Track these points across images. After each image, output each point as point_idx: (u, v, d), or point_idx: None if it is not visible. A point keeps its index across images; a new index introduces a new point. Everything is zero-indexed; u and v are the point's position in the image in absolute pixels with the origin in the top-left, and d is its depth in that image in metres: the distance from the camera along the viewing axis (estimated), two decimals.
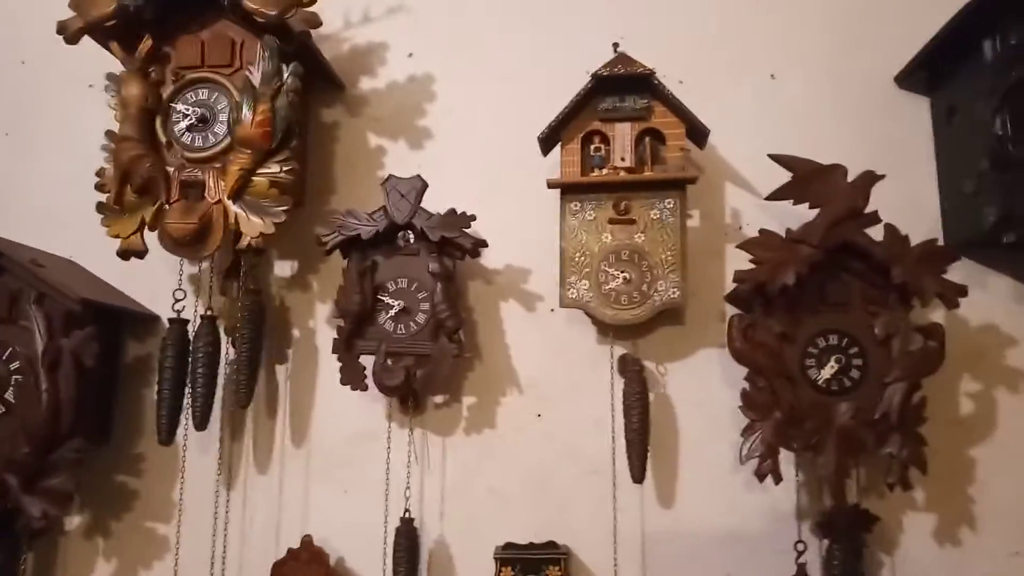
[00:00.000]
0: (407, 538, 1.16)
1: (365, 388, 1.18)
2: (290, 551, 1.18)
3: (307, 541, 1.18)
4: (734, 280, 1.06)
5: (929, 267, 1.02)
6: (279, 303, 1.32)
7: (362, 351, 1.18)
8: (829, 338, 1.06)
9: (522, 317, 1.27)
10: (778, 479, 1.05)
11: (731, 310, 1.21)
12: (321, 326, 1.30)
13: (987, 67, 1.07)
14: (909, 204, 1.20)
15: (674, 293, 1.14)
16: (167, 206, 1.19)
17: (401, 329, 1.18)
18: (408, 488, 1.20)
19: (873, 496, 1.14)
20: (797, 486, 1.15)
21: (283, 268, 1.34)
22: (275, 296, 1.32)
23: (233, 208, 1.17)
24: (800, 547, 1.10)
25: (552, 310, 1.26)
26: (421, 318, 1.18)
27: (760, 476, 1.05)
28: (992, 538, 1.14)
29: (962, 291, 1.03)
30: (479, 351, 1.27)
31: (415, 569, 1.16)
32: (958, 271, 1.13)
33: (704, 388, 1.21)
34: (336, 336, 1.19)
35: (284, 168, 1.18)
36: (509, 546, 1.15)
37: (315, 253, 1.28)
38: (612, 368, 1.19)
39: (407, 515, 1.18)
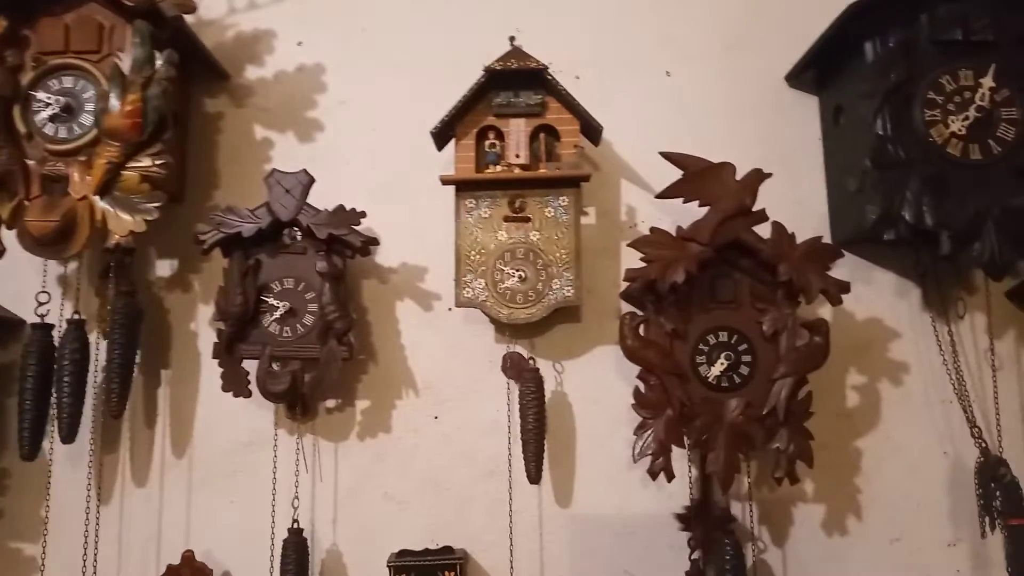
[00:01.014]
0: (296, 549, 1.11)
1: (248, 395, 1.12)
2: (170, 567, 1.12)
3: (188, 556, 1.12)
4: (625, 279, 1.05)
5: (814, 264, 1.04)
6: (158, 305, 1.24)
7: (245, 355, 1.12)
8: (719, 335, 1.07)
9: (418, 317, 1.23)
10: (670, 476, 1.05)
11: (627, 308, 1.20)
12: (203, 329, 1.23)
13: (868, 69, 1.09)
14: (798, 201, 1.23)
15: (568, 291, 1.13)
16: (27, 202, 1.10)
17: (287, 332, 1.13)
18: (296, 497, 1.15)
19: (764, 489, 1.16)
20: (690, 482, 1.16)
21: (163, 267, 1.26)
22: (154, 297, 1.24)
23: (100, 204, 1.09)
24: (693, 543, 1.10)
25: (449, 309, 1.22)
26: (309, 320, 1.13)
27: (653, 474, 1.05)
28: (875, 526, 1.18)
29: (845, 288, 1.05)
30: (373, 352, 1.22)
31: None
32: (844, 267, 1.16)
33: (600, 385, 1.21)
34: (217, 340, 1.12)
35: (156, 162, 1.10)
36: (404, 553, 1.12)
37: (196, 252, 1.20)
38: (515, 365, 1.17)
39: (295, 525, 1.13)
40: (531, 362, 1.16)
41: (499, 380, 1.19)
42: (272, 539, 1.13)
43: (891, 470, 1.19)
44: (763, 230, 1.07)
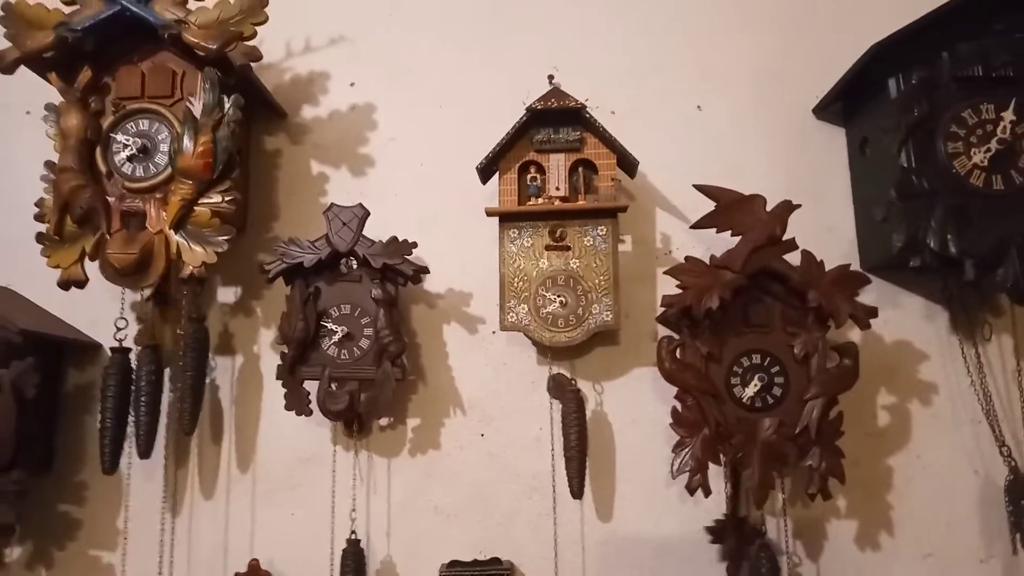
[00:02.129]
0: (354, 559, 1.19)
1: (309, 413, 1.20)
2: (237, 575, 1.20)
3: (254, 565, 1.20)
4: (662, 304, 1.12)
5: (842, 290, 1.09)
6: (223, 329, 1.33)
7: (306, 377, 1.21)
8: (752, 358, 1.13)
9: (464, 339, 1.31)
10: (707, 492, 1.10)
11: (663, 331, 1.27)
12: (265, 351, 1.32)
13: (892, 104, 1.15)
14: (828, 228, 1.28)
15: (607, 316, 1.19)
16: (108, 236, 1.20)
17: (345, 354, 1.21)
18: (354, 510, 1.22)
19: (799, 505, 1.21)
20: (727, 498, 1.22)
21: (226, 295, 1.35)
22: (219, 322, 1.33)
23: (175, 238, 1.18)
24: (726, 555, 1.16)
25: (493, 332, 1.30)
26: (364, 343, 1.21)
27: (690, 490, 1.10)
28: (908, 542, 1.22)
29: (872, 313, 1.10)
30: (423, 373, 1.30)
31: None
32: (873, 291, 1.21)
33: (638, 406, 1.27)
34: (280, 362, 1.21)
35: (226, 198, 1.19)
36: (454, 563, 1.19)
37: (258, 279, 1.30)
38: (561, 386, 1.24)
39: (353, 536, 1.20)
40: (573, 383, 1.23)
41: (542, 400, 1.26)
42: (331, 548, 1.21)
43: (922, 488, 1.23)
44: (793, 258, 1.13)
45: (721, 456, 1.11)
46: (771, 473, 1.10)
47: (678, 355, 1.12)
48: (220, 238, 1.19)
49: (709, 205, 1.15)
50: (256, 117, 1.38)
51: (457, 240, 1.32)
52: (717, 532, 1.18)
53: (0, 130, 1.44)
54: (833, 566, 1.22)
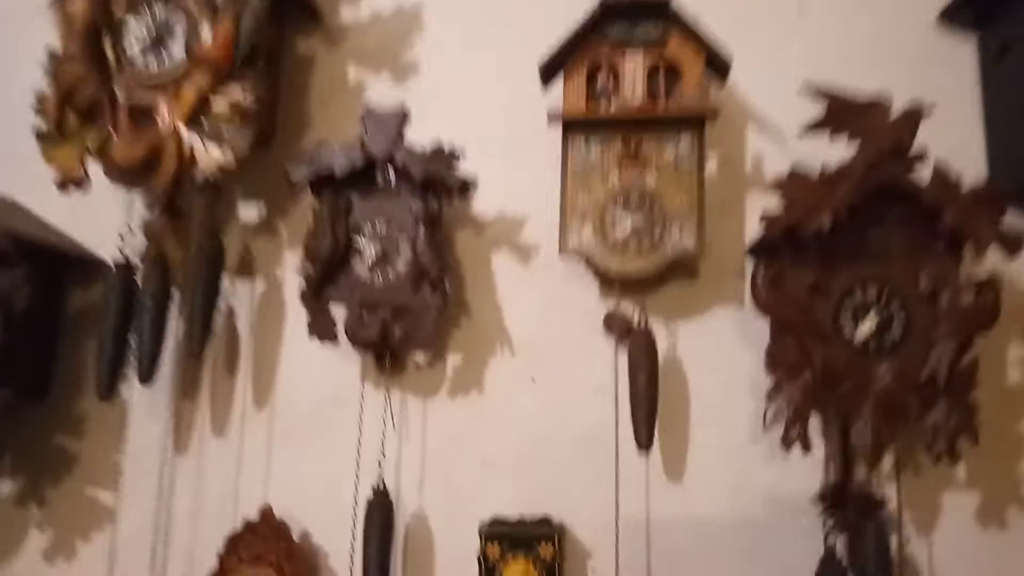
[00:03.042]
0: (381, 511, 1.02)
1: (336, 340, 1.04)
2: (248, 524, 1.04)
3: (267, 513, 1.04)
4: (761, 222, 0.92)
5: (985, 210, 0.89)
6: (243, 250, 1.18)
7: (333, 300, 1.04)
8: (868, 291, 0.94)
9: (515, 270, 1.13)
10: (807, 447, 0.92)
11: (752, 266, 1.08)
12: (289, 276, 1.16)
13: None
14: (950, 150, 1.07)
15: (688, 242, 1.01)
16: (113, 133, 1.05)
17: (378, 277, 1.05)
18: (383, 456, 1.06)
19: (908, 471, 1.02)
20: (828, 460, 1.03)
21: (248, 212, 1.19)
22: (239, 242, 1.18)
23: (188, 135, 1.03)
24: (830, 527, 0.97)
25: (549, 263, 1.12)
26: (401, 265, 1.04)
27: (787, 443, 0.92)
28: None
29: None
30: (467, 307, 1.13)
31: (389, 545, 1.02)
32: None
33: (719, 352, 1.08)
34: (304, 284, 1.04)
35: (247, 93, 1.04)
36: (497, 521, 1.02)
37: (284, 196, 1.15)
38: (621, 323, 1.06)
39: (381, 486, 1.04)
40: (640, 321, 1.05)
41: (604, 341, 1.08)
42: (355, 499, 1.04)
43: None
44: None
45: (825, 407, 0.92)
46: (887, 429, 0.91)
47: (777, 284, 0.93)
48: (240, 139, 1.03)
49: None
50: (289, 18, 1.21)
51: (511, 157, 1.14)
52: (832, 498, 0.97)
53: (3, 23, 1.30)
54: (947, 545, 1.01)
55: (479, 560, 1.00)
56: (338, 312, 1.05)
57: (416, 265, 1.03)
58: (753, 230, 1.08)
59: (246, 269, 1.17)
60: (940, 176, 0.91)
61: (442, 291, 1.03)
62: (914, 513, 1.01)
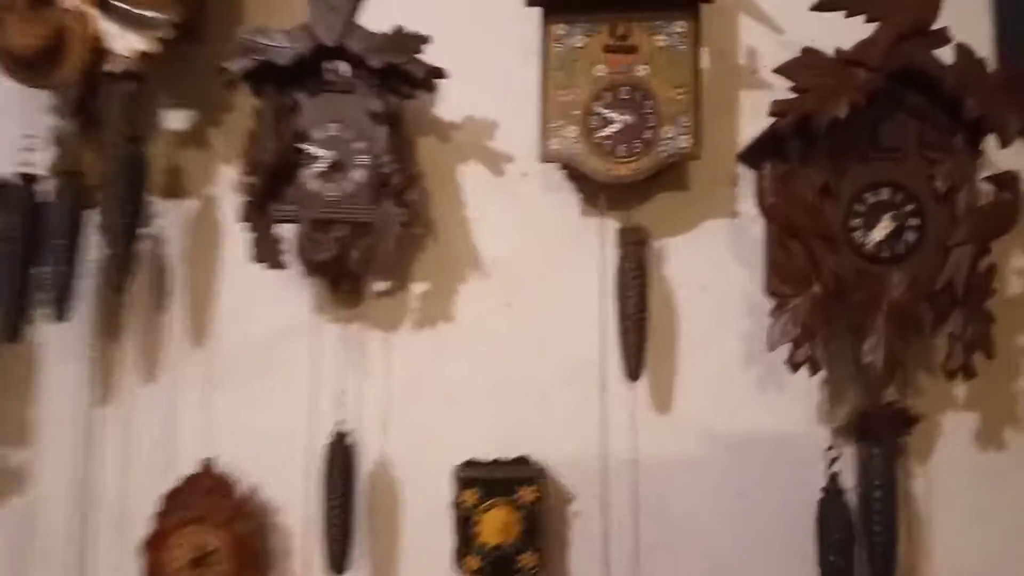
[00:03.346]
0: (341, 458, 0.90)
1: (283, 265, 0.90)
2: (186, 479, 0.91)
3: (209, 466, 0.91)
4: (771, 113, 0.82)
5: (1011, 97, 0.81)
6: (171, 165, 1.02)
7: (281, 217, 0.90)
8: (880, 192, 0.85)
9: (487, 182, 1.01)
10: (816, 368, 0.83)
11: (745, 173, 0.99)
12: (225, 193, 1.01)
13: None
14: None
15: (684, 142, 0.90)
16: (7, 17, 0.87)
17: (332, 189, 0.91)
18: (344, 394, 0.94)
19: (909, 390, 0.95)
20: (822, 382, 0.96)
21: (175, 119, 1.03)
22: (165, 157, 1.02)
23: (97, 17, 0.86)
24: (833, 453, 0.89)
25: (524, 174, 1.00)
26: (359, 175, 0.91)
27: (794, 365, 0.83)
28: None
29: None
30: (432, 225, 1.00)
31: (351, 497, 0.90)
32: None
33: (710, 268, 0.99)
34: (246, 199, 0.90)
35: None
36: (471, 463, 0.91)
37: (218, 98, 0.99)
38: (603, 240, 0.95)
39: (340, 429, 0.92)
40: (638, 231, 0.94)
41: (586, 260, 0.98)
42: (311, 447, 0.92)
43: None
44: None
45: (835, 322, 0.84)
46: (901, 343, 0.83)
47: (785, 186, 0.84)
48: (161, 23, 0.87)
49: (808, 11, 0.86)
50: None
51: (481, 48, 1.00)
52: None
53: None
54: (947, 468, 0.96)
55: (453, 508, 0.90)
56: (285, 232, 0.90)
57: (376, 174, 0.90)
58: (746, 133, 0.98)
59: (175, 186, 1.01)
60: (964, 58, 0.82)
61: (407, 203, 0.90)
62: (914, 437, 0.95)
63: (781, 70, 0.82)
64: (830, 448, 0.89)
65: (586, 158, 0.90)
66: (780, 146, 0.85)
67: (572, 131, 0.90)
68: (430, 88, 0.90)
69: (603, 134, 0.90)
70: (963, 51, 0.82)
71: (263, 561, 0.93)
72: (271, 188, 0.90)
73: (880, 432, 0.88)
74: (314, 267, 0.90)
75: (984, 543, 0.95)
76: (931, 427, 0.96)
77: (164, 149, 1.02)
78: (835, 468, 0.89)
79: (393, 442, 0.97)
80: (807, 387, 0.96)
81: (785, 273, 0.84)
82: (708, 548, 0.96)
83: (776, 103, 0.82)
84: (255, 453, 0.97)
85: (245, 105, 0.98)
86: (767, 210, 0.83)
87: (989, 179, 0.84)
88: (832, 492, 0.88)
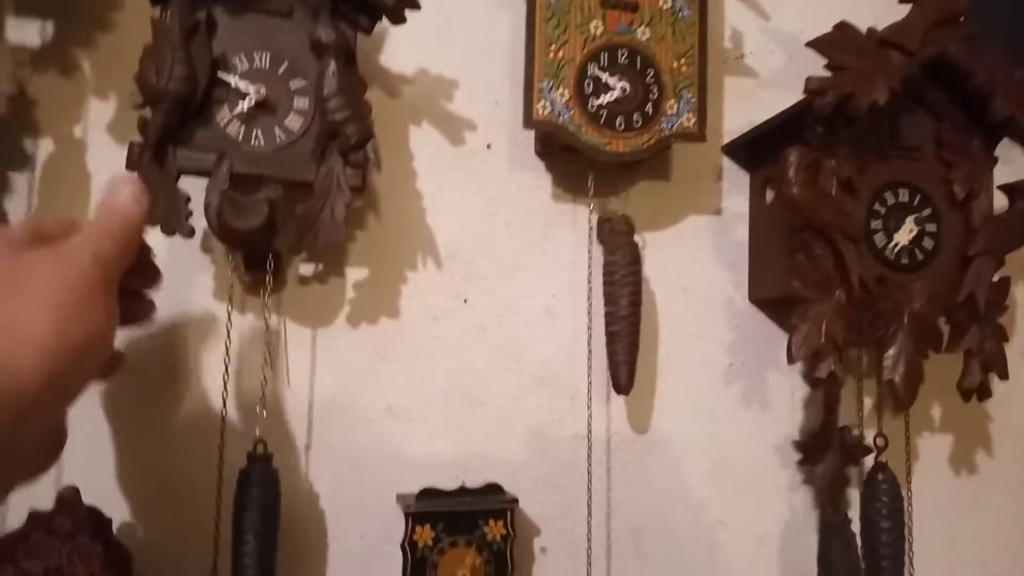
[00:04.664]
0: (260, 486, 0.68)
1: (190, 232, 0.67)
2: (34, 517, 0.65)
3: (70, 498, 0.65)
4: (808, 91, 0.71)
5: None
6: (16, 91, 0.75)
7: (187, 167, 0.67)
8: (899, 193, 0.77)
9: (443, 153, 0.83)
10: (837, 385, 0.74)
11: (730, 166, 0.89)
12: (99, 135, 0.76)
13: None
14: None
15: (688, 118, 0.78)
16: None
17: (259, 137, 0.69)
18: (263, 408, 0.72)
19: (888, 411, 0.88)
20: (805, 401, 0.88)
21: (26, 31, 0.76)
22: (9, 79, 0.75)
23: None
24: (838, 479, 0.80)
25: (489, 145, 0.84)
26: (295, 122, 0.70)
27: (814, 382, 0.74)
28: (1006, 465, 0.94)
29: None
30: (375, 200, 0.81)
31: (273, 535, 0.68)
32: None
33: (693, 267, 0.87)
34: (139, 137, 0.66)
35: None
36: (429, 492, 0.73)
37: (90, 13, 0.74)
38: (577, 229, 0.81)
39: (260, 449, 0.70)
40: (626, 223, 0.80)
41: (556, 252, 0.84)
42: (219, 471, 0.70)
43: None
44: None
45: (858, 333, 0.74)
46: (921, 359, 0.75)
47: (813, 175, 0.73)
48: None
49: None
50: None
51: None
52: (808, 448, 0.82)
53: None
54: (925, 490, 0.90)
55: (403, 549, 0.71)
56: (194, 187, 0.68)
57: (321, 120, 0.69)
58: (736, 121, 0.88)
59: (24, 123, 0.74)
60: (993, 56, 0.76)
61: (361, 164, 0.70)
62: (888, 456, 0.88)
63: (815, 44, 0.71)
64: (839, 473, 0.80)
65: (579, 128, 0.75)
66: (793, 134, 0.74)
67: (562, 95, 0.75)
68: (398, 19, 0.71)
69: (599, 102, 0.76)
70: (989, 46, 0.76)
71: None
72: (177, 126, 0.67)
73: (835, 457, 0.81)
74: (233, 237, 0.68)
75: (959, 566, 0.91)
76: (901, 451, 0.90)
77: (8, 70, 0.75)
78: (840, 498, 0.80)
79: (317, 467, 0.77)
80: (790, 405, 0.88)
81: (808, 275, 0.73)
82: None
83: (813, 80, 0.71)
84: (140, 482, 0.73)
85: (128, 23, 0.75)
86: (791, 203, 0.72)
87: (1003, 188, 0.79)
88: (835, 525, 0.79)
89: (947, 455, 0.93)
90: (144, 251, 0.53)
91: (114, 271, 0.47)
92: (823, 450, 0.81)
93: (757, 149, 0.85)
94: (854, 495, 0.84)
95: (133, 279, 0.51)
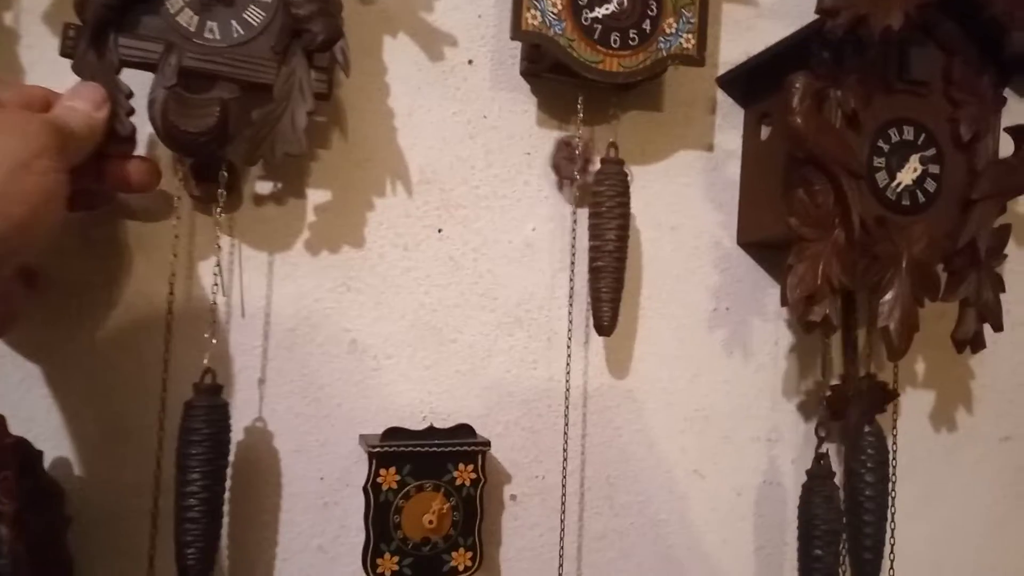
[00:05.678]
0: (208, 420, 0.62)
1: (130, 132, 0.59)
2: None
3: None
4: (819, 10, 0.65)
5: None
6: None
7: (131, 59, 0.59)
8: (904, 130, 0.72)
9: (419, 68, 0.76)
10: (831, 330, 0.70)
11: (724, 100, 0.84)
12: (31, 24, 0.67)
13: None
14: None
15: (686, 40, 0.72)
16: None
17: (213, 29, 0.61)
18: (213, 337, 0.65)
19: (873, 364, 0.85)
20: (789, 350, 0.84)
21: None
22: None
23: None
24: (821, 432, 0.77)
25: (470, 62, 0.77)
26: (254, 13, 0.62)
27: (807, 325, 0.69)
28: (985, 421, 0.93)
29: None
30: (341, 116, 0.74)
31: (221, 475, 0.62)
32: None
33: (682, 205, 0.82)
34: (76, 20, 0.58)
35: None
36: (394, 432, 0.68)
37: None
38: (577, 156, 0.75)
39: (209, 380, 0.63)
40: (612, 151, 0.75)
41: (539, 182, 0.78)
42: (162, 405, 0.63)
43: (1005, 353, 0.93)
44: None
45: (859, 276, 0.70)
46: (917, 306, 0.71)
47: (819, 106, 0.68)
48: None
49: None
50: None
51: None
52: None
53: None
54: (904, 444, 0.87)
55: (366, 492, 0.66)
56: (137, 82, 0.60)
57: (284, 12, 0.62)
58: (732, 52, 0.83)
59: None
60: None
61: (326, 67, 0.63)
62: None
63: None
64: (819, 426, 0.77)
65: (570, 42, 0.69)
66: (795, 66, 0.69)
67: (554, 4, 0.69)
68: None
69: (593, 15, 0.70)
70: None
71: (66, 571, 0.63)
72: (119, 9, 0.59)
73: (859, 408, 0.77)
74: (180, 141, 0.60)
75: (935, 520, 0.89)
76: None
77: None
78: (822, 449, 0.76)
79: (273, 403, 0.71)
80: (773, 354, 0.84)
81: (807, 213, 0.69)
82: (660, 536, 0.81)
83: (824, 1, 0.65)
84: (68, 412, 0.65)
85: None
86: (796, 135, 0.67)
87: (1010, 130, 0.75)
88: (819, 477, 0.75)
89: (928, 410, 0.90)
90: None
91: (65, 164, 0.50)
92: (844, 403, 0.77)
93: (755, 81, 0.80)
94: (835, 449, 0.81)
95: (84, 180, 0.48)
